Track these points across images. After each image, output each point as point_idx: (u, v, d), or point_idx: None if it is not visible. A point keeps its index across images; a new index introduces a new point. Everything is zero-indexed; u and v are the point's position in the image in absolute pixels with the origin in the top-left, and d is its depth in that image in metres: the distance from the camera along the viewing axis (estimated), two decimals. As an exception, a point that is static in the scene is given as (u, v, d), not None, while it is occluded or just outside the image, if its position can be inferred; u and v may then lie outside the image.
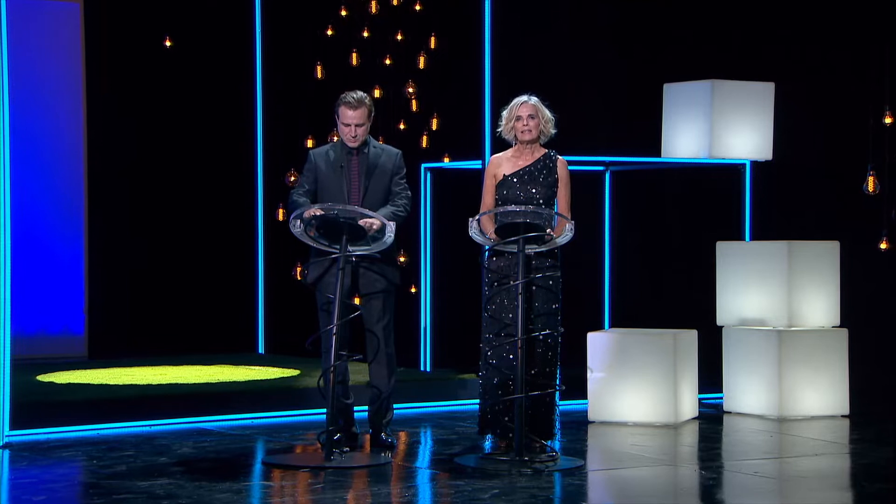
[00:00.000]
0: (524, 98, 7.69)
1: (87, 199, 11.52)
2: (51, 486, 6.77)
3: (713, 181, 10.28)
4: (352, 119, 7.64)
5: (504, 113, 7.73)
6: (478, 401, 7.78)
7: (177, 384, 9.34)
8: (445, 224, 10.23)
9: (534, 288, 7.60)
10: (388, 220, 7.43)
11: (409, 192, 7.80)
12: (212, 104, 11.71)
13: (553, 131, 7.72)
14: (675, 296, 10.61)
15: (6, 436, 7.85)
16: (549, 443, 7.62)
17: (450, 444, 8.09)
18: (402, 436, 8.36)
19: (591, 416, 8.94)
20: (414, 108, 11.05)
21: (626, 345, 8.93)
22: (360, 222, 7.36)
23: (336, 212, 7.39)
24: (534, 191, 7.63)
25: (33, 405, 8.43)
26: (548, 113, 7.70)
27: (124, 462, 7.34)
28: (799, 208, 10.50)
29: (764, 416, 9.17)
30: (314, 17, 11.38)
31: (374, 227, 7.40)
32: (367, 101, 7.69)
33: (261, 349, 11.69)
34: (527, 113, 7.65)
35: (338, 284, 7.39)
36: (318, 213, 7.38)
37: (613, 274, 10.14)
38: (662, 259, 10.93)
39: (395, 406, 8.03)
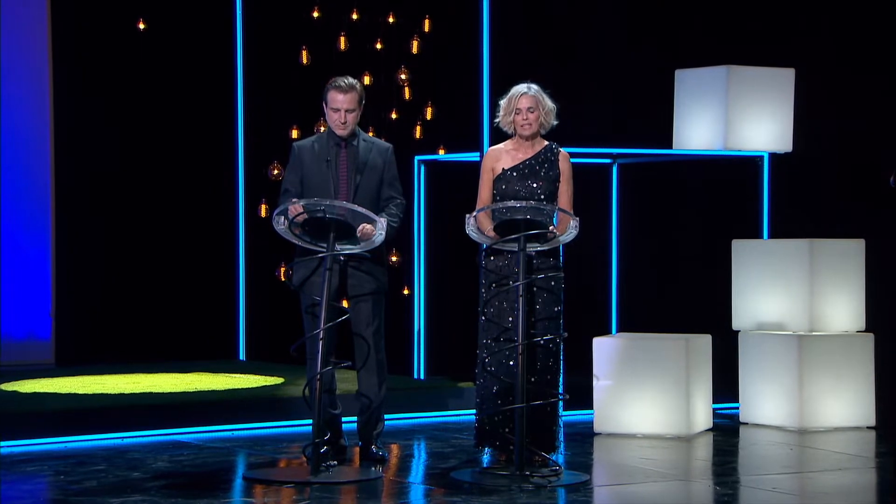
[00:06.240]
0: (523, 88, 7.68)
1: (55, 194, 11.52)
2: None
3: (729, 174, 10.29)
4: (341, 103, 7.66)
5: (502, 102, 7.73)
6: (475, 411, 7.79)
7: (151, 393, 9.35)
8: (441, 221, 10.24)
9: (535, 289, 7.60)
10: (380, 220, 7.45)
11: (402, 200, 7.80)
12: (189, 92, 11.71)
13: (554, 122, 7.73)
14: (687, 298, 10.62)
15: (-33, 449, 7.88)
16: (551, 456, 7.63)
17: (445, 457, 8.11)
18: (394, 448, 8.37)
19: (596, 428, 8.95)
20: (407, 96, 11.05)
21: (635, 351, 8.94)
22: (357, 231, 7.36)
23: (323, 207, 7.39)
24: (535, 185, 7.64)
25: (-4, 416, 8.45)
26: (549, 103, 7.70)
27: (94, 477, 7.35)
28: (821, 204, 10.51)
29: (783, 428, 9.19)
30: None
31: (368, 231, 7.40)
32: (358, 86, 7.73)
33: (242, 355, 11.70)
34: (526, 106, 7.64)
35: (324, 286, 7.39)
36: (304, 216, 7.38)
37: (621, 274, 10.15)
38: (674, 258, 10.94)
39: (386, 417, 8.04)
